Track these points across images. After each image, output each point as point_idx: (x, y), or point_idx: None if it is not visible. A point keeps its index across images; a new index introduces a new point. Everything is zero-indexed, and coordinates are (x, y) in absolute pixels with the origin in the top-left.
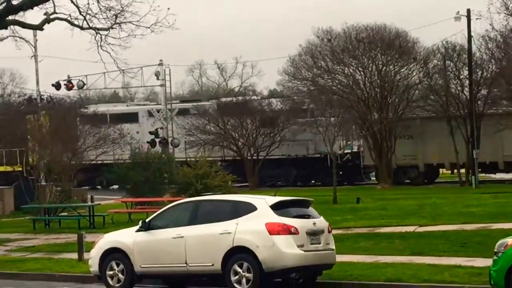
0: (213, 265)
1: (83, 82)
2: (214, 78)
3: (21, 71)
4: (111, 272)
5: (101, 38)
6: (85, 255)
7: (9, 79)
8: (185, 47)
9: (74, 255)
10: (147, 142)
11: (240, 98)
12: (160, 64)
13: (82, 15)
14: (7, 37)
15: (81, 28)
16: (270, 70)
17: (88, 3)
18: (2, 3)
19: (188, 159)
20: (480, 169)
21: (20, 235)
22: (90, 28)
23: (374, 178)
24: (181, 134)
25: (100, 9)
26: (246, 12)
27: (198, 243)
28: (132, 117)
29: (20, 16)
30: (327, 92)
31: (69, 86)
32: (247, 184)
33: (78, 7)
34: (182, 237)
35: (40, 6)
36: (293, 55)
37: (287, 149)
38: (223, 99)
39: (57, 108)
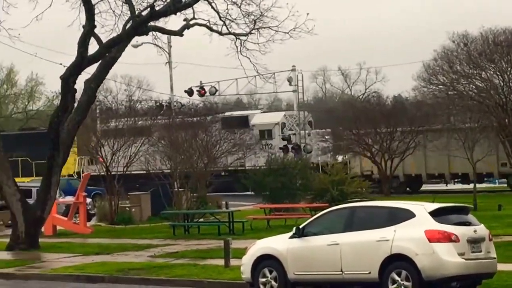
0: (370, 273)
1: (215, 88)
2: (338, 85)
3: (148, 77)
4: (263, 279)
5: (241, 43)
6: (231, 262)
7: (136, 86)
8: (308, 53)
9: (219, 262)
10: (280, 148)
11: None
12: (293, 70)
13: (222, 20)
14: (142, 44)
15: (220, 33)
16: (394, 76)
17: (227, 9)
18: (146, 8)
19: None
20: None
21: (161, 240)
22: (229, 33)
23: None
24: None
25: (242, 14)
26: (369, 18)
27: (354, 250)
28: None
29: (159, 23)
30: (465, 97)
31: (202, 92)
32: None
33: (218, 13)
34: (337, 244)
35: (180, 12)
36: (428, 60)
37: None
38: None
39: (193, 115)
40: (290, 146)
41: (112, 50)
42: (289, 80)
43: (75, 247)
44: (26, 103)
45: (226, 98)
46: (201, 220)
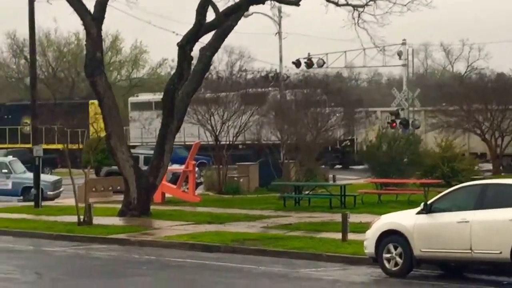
0: (501, 253)
1: (323, 60)
2: (440, 61)
3: (250, 48)
4: (388, 255)
5: (358, 15)
6: (348, 236)
7: (239, 56)
8: (410, 27)
9: (335, 235)
10: (387, 123)
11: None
12: (403, 44)
13: None
14: (252, 13)
15: (337, 4)
16: (497, 53)
17: None
18: None
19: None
20: None
21: (271, 212)
22: (347, 4)
23: None
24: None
25: None
26: None
27: (485, 229)
28: None
29: None
30: None
31: (309, 64)
32: None
33: None
34: (467, 222)
35: None
36: None
37: None
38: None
39: (303, 86)
40: (398, 121)
41: (229, 19)
42: (399, 54)
43: (186, 215)
44: (130, 71)
45: (327, 71)
46: (308, 192)
